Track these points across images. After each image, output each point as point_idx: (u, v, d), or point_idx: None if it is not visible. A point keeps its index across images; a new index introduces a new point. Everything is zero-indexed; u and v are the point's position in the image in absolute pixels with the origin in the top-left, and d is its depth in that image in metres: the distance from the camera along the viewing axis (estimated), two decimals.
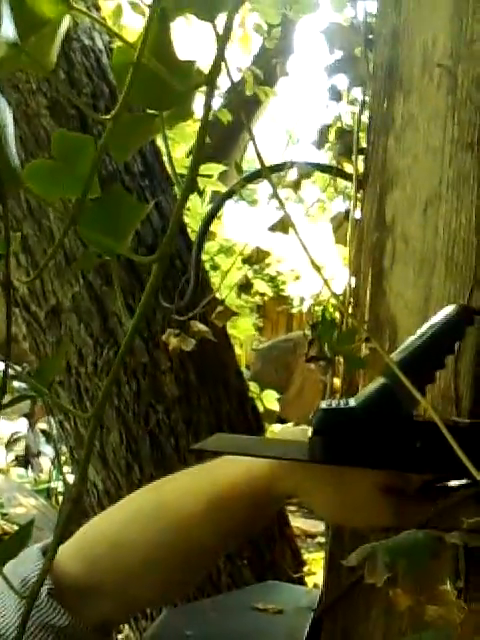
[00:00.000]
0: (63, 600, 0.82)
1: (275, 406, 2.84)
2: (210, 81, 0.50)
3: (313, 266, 0.62)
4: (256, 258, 1.69)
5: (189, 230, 2.36)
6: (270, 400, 2.81)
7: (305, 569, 2.39)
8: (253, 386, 2.70)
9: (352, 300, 1.07)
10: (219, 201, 1.32)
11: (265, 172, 0.85)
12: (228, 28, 0.49)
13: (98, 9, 2.38)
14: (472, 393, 0.88)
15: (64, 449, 2.29)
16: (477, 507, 0.75)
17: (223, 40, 0.49)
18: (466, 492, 0.79)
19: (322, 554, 1.82)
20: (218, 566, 2.03)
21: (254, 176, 1.27)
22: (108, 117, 0.48)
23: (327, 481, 0.84)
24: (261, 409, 2.73)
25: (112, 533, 0.86)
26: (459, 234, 0.88)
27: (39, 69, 0.50)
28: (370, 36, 1.24)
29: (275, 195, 0.75)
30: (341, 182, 1.44)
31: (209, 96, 0.51)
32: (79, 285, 2.05)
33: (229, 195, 1.29)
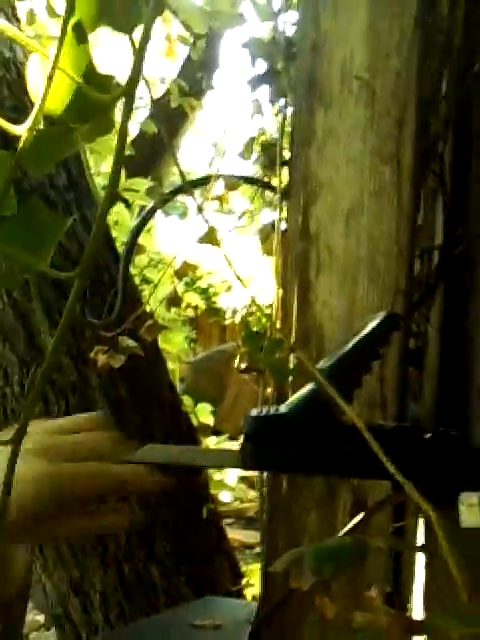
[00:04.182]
0: None
1: (210, 419, 2.83)
2: (128, 94, 0.49)
3: (237, 279, 0.62)
4: (185, 271, 1.69)
5: (118, 244, 2.33)
6: (204, 414, 2.80)
7: (243, 581, 2.38)
8: (187, 400, 2.69)
9: (280, 311, 1.08)
10: (145, 214, 1.31)
11: (187, 186, 0.85)
12: (145, 40, 0.49)
13: (18, 20, 2.34)
14: (397, 398, 0.90)
15: None
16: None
17: (140, 52, 0.49)
18: (396, 498, 0.80)
19: (260, 565, 1.82)
20: (154, 584, 2.00)
21: (177, 190, 1.27)
22: (21, 129, 0.47)
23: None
24: (196, 423, 2.72)
25: None
26: (381, 243, 0.90)
27: None
28: (291, 49, 1.26)
29: (199, 209, 0.75)
30: (269, 193, 1.45)
31: (127, 109, 0.51)
32: (3, 302, 1.99)
33: (154, 209, 1.28)
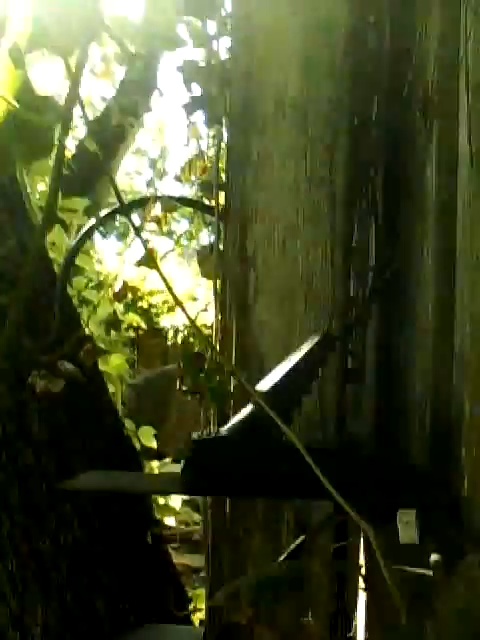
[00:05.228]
0: None
1: (153, 442, 2.80)
2: (65, 116, 0.49)
3: (176, 301, 0.62)
4: (124, 293, 1.67)
5: (55, 265, 2.29)
6: (147, 437, 2.76)
7: (191, 606, 2.35)
8: (129, 423, 2.65)
9: (219, 332, 1.09)
10: (82, 235, 1.30)
11: (124, 207, 0.85)
12: (81, 63, 0.49)
13: None
14: (336, 417, 0.91)
15: None
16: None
17: (77, 75, 0.49)
18: (337, 518, 0.81)
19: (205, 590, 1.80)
20: (99, 612, 1.95)
21: (114, 212, 1.27)
22: None
23: None
24: (138, 446, 2.68)
25: None
26: (316, 265, 0.92)
27: None
28: (226, 74, 1.28)
29: (136, 231, 0.74)
30: (208, 215, 1.46)
31: (64, 131, 0.51)
32: None
33: (92, 230, 1.27)
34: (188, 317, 0.50)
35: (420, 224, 0.94)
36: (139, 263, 1.39)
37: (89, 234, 1.29)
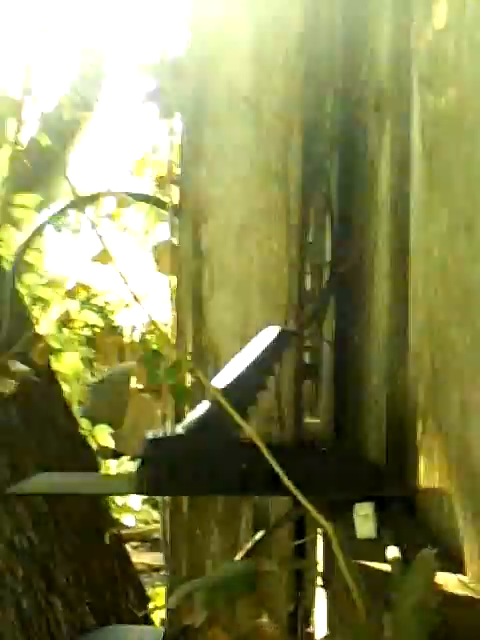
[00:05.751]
0: None
1: (109, 441, 2.76)
2: (17, 111, 0.47)
3: (134, 298, 0.61)
4: (78, 290, 1.64)
5: (5, 262, 2.24)
6: (103, 436, 2.73)
7: (151, 605, 2.33)
8: (85, 423, 2.61)
9: (175, 329, 1.07)
10: (33, 232, 1.26)
11: (77, 202, 0.83)
12: (33, 58, 0.47)
13: None
14: (294, 412, 0.91)
15: None
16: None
17: (29, 69, 0.47)
18: (295, 513, 0.81)
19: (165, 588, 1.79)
20: (56, 616, 1.92)
21: (66, 207, 1.24)
22: None
23: None
24: (95, 446, 2.64)
25: None
26: (272, 260, 0.91)
27: None
28: (179, 68, 1.27)
29: (90, 227, 0.72)
30: (163, 211, 1.44)
31: (17, 126, 0.49)
32: None
33: (43, 226, 1.24)
34: (147, 314, 0.49)
35: (374, 219, 0.95)
36: (94, 259, 1.37)
37: (40, 230, 1.26)
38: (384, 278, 0.90)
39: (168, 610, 1.09)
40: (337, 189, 1.08)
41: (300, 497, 0.53)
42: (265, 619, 0.48)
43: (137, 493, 0.78)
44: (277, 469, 0.53)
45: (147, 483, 0.76)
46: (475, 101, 0.67)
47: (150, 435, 0.79)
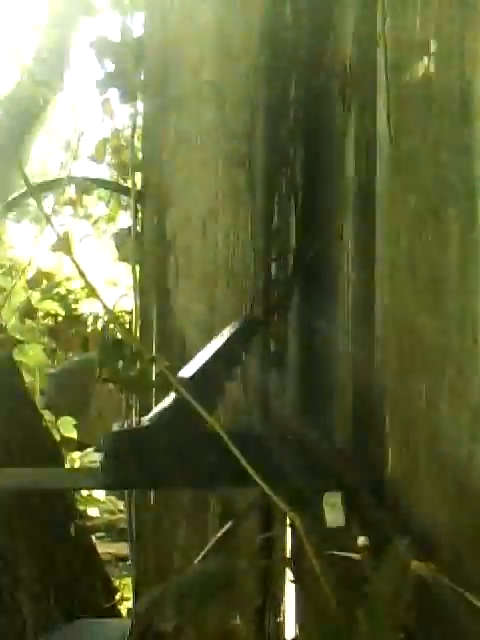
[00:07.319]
0: None
1: (73, 433, 2.73)
2: None
3: (91, 289, 0.59)
4: (39, 279, 1.60)
5: None
6: (67, 427, 2.69)
7: (118, 596, 2.32)
8: (48, 414, 2.57)
9: (139, 318, 1.05)
10: None
11: (34, 190, 0.80)
12: None
13: None
14: (260, 402, 0.90)
15: None
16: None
17: None
18: (261, 503, 0.80)
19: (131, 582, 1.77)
20: (22, 612, 1.89)
21: (24, 195, 1.20)
22: None
23: None
24: (59, 437, 2.60)
25: None
26: (237, 247, 0.90)
27: None
28: (141, 50, 1.23)
29: (46, 216, 0.70)
30: (125, 197, 1.41)
31: None
32: None
33: None
34: (104, 305, 0.47)
35: (340, 205, 0.94)
36: (53, 248, 1.34)
37: None
38: (350, 264, 0.89)
39: (135, 603, 1.08)
40: (302, 175, 1.06)
41: (266, 488, 0.52)
42: (236, 619, 0.47)
43: (104, 488, 0.76)
44: (243, 461, 0.52)
45: (112, 478, 0.75)
46: (441, 85, 0.66)
47: (115, 427, 0.78)
